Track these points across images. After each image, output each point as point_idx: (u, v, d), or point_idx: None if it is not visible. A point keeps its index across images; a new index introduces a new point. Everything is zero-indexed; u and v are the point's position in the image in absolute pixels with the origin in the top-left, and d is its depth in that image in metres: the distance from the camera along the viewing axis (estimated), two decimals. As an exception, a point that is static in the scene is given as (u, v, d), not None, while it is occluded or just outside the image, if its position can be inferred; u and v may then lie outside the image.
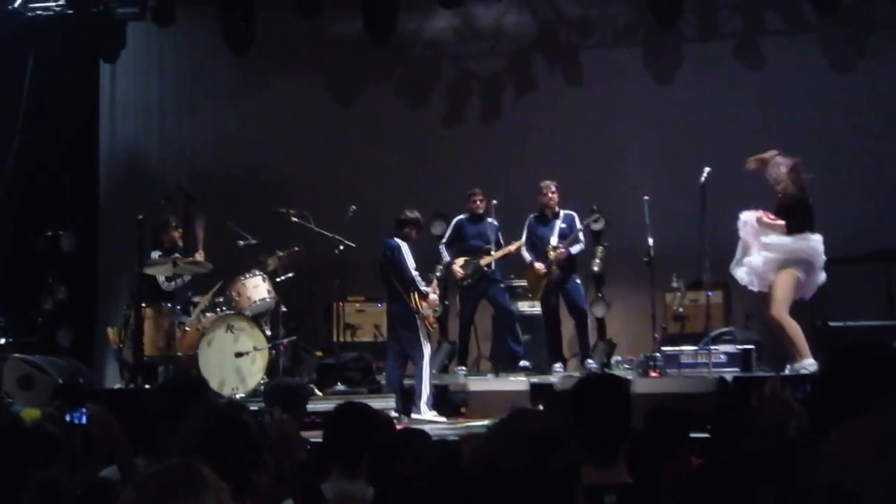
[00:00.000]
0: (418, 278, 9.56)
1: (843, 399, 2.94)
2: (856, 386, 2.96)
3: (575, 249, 10.41)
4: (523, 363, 10.44)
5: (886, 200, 10.72)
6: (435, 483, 3.31)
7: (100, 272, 12.03)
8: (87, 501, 3.70)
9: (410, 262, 9.55)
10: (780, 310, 8.76)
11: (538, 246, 10.50)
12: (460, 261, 10.41)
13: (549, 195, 10.46)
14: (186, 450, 3.02)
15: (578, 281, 10.59)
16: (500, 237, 10.58)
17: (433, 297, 9.63)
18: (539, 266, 10.39)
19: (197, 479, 2.20)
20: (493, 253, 10.41)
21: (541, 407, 6.56)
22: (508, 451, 2.37)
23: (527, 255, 10.57)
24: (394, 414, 8.67)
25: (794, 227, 8.83)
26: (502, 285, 10.69)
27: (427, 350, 9.50)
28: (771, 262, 8.88)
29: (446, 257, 10.61)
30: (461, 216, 10.73)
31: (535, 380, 9.68)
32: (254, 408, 4.69)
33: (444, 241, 10.74)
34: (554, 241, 10.37)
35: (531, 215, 10.61)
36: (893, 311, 9.83)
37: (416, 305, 9.51)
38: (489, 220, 10.57)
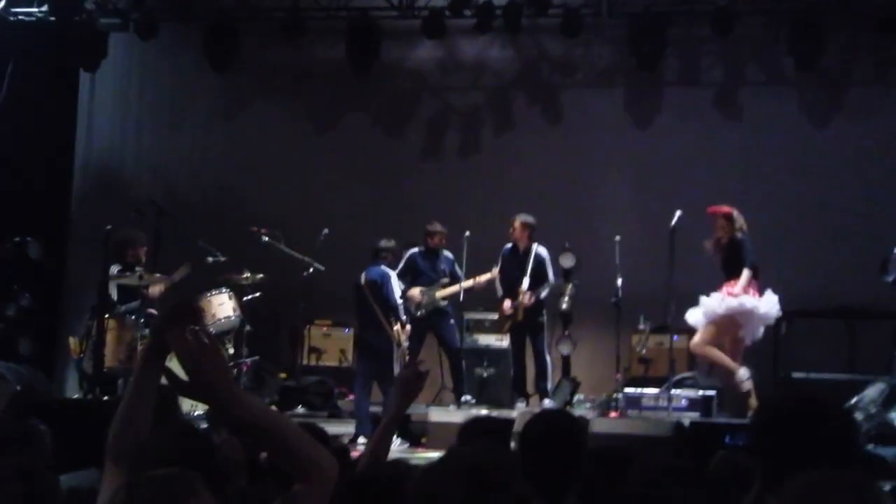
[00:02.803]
0: (402, 308, 9.74)
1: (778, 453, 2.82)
2: (786, 443, 2.80)
3: (543, 294, 10.54)
4: (465, 398, 10.53)
5: (854, 257, 10.89)
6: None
7: (66, 282, 12.04)
8: None
9: (398, 291, 9.78)
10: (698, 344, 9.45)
11: (509, 281, 10.61)
12: (417, 289, 10.49)
13: (511, 231, 10.57)
14: (155, 462, 2.91)
15: (542, 320, 10.68)
16: (458, 269, 10.67)
17: (408, 327, 9.87)
18: (506, 305, 10.55)
19: (190, 487, 2.28)
20: (451, 286, 10.55)
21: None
22: (447, 485, 2.31)
23: (499, 288, 10.70)
24: (361, 440, 9.04)
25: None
26: (452, 321, 10.73)
27: None
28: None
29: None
30: (415, 249, 10.69)
31: (496, 414, 9.74)
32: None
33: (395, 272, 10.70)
34: (525, 282, 10.45)
35: (506, 246, 10.70)
36: (854, 367, 9.99)
37: (397, 336, 9.66)
38: (445, 253, 10.72)
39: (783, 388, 9.52)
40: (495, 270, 10.63)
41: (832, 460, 2.42)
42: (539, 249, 10.55)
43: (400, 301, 9.75)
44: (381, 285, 9.74)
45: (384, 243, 9.96)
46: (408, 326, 9.81)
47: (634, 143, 12.10)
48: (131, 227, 9.96)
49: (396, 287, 9.78)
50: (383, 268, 9.82)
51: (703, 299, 9.46)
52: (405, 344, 9.71)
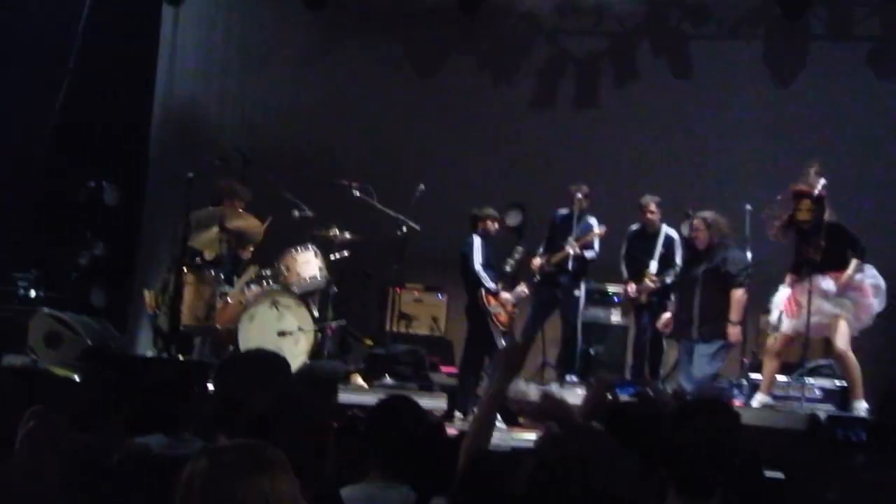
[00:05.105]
0: (483, 275, 9.83)
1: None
2: None
3: (669, 279, 10.37)
4: (570, 378, 10.42)
5: None
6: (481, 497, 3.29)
7: (142, 231, 12.06)
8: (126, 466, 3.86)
9: (478, 258, 9.86)
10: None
11: (635, 263, 10.61)
12: (538, 258, 10.57)
13: (648, 214, 10.49)
14: (249, 430, 3.09)
15: (667, 302, 10.42)
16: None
17: (505, 294, 9.91)
18: (630, 289, 10.51)
19: (270, 460, 2.39)
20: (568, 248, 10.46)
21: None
22: (556, 473, 2.44)
23: (623, 271, 10.72)
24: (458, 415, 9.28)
25: None
26: (578, 293, 10.64)
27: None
28: None
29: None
30: (562, 210, 10.65)
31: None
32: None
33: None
34: (654, 266, 10.41)
35: (632, 227, 10.65)
36: None
37: (484, 303, 9.81)
38: (589, 219, 10.60)
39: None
40: (600, 229, 10.49)
41: None
42: (669, 231, 10.54)
43: (479, 268, 9.84)
44: (465, 256, 9.95)
45: (475, 211, 10.04)
46: (504, 294, 9.90)
47: (774, 101, 11.83)
48: (229, 177, 9.95)
49: (478, 255, 9.89)
50: (473, 237, 9.96)
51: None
52: (498, 310, 9.84)
